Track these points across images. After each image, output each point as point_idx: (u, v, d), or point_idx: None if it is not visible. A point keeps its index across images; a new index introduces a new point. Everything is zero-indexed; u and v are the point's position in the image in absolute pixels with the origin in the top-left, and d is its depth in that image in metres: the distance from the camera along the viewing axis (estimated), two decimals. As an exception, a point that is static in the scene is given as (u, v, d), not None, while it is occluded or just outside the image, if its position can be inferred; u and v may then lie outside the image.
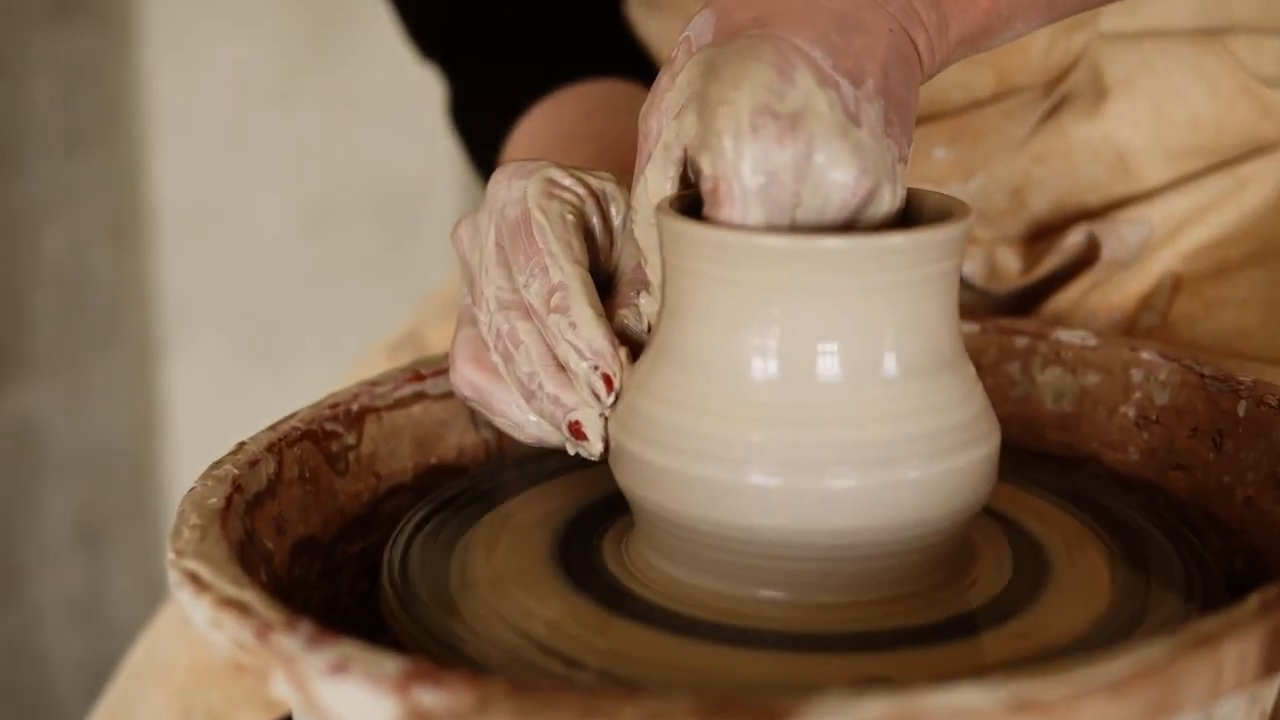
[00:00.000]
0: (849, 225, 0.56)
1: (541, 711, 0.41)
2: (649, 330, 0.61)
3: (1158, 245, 0.81)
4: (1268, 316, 0.78)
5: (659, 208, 0.57)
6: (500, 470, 0.69)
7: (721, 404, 0.56)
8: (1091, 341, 0.73)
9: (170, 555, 0.51)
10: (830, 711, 0.42)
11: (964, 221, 0.57)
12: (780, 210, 0.54)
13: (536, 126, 0.85)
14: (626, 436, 0.58)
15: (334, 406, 0.65)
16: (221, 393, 1.85)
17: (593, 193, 0.63)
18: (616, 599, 0.58)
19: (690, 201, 0.58)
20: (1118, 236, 0.81)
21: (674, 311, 0.57)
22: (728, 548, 0.56)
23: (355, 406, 0.66)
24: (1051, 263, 0.82)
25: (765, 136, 0.53)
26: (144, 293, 1.83)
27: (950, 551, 0.58)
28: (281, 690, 0.44)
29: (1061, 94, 0.82)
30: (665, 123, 0.57)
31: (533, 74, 0.87)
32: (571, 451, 0.61)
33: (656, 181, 0.58)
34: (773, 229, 0.55)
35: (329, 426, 0.64)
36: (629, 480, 0.58)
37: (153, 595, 1.83)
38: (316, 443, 0.63)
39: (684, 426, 0.56)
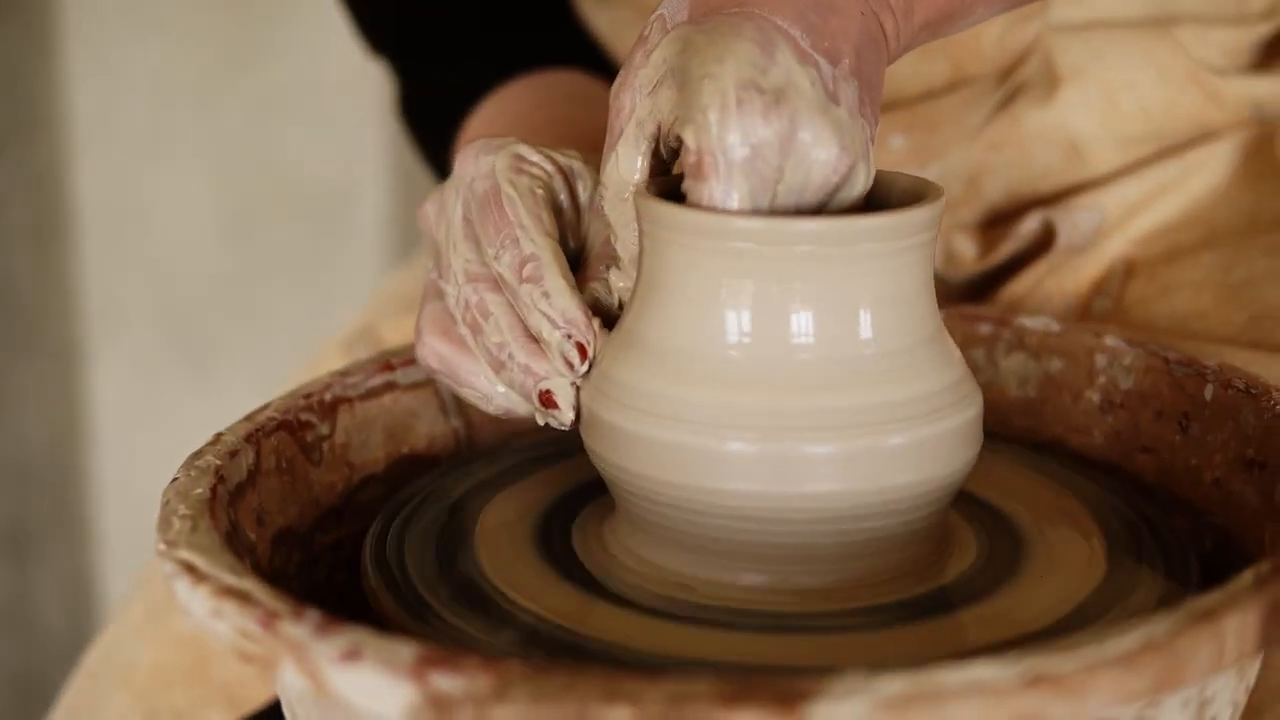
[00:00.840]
0: (823, 204, 0.56)
1: (562, 694, 0.41)
2: (619, 305, 0.61)
3: (1109, 231, 0.83)
4: (1221, 298, 0.80)
5: (638, 193, 0.57)
6: (474, 460, 0.68)
7: (699, 372, 0.55)
8: (1054, 328, 0.74)
9: (160, 546, 0.50)
10: (851, 690, 0.42)
11: (939, 201, 0.57)
12: (764, 185, 0.54)
13: (493, 115, 0.84)
14: (602, 405, 0.57)
15: (308, 396, 0.64)
16: (147, 397, 1.83)
17: (560, 169, 0.63)
18: (598, 585, 0.58)
19: (666, 185, 0.58)
20: (1072, 223, 0.82)
21: (651, 285, 0.57)
22: (707, 516, 0.56)
23: (328, 396, 0.65)
24: (1007, 249, 0.83)
25: (751, 111, 0.53)
26: (66, 296, 1.80)
27: (933, 524, 0.58)
28: (291, 679, 0.44)
29: (1015, 83, 0.83)
30: (639, 99, 0.57)
31: (487, 66, 0.87)
32: (541, 422, 0.61)
33: (628, 157, 0.58)
34: (755, 212, 0.55)
35: (303, 416, 0.63)
36: (606, 449, 0.58)
37: (80, 601, 1.81)
38: (292, 433, 0.62)
39: (662, 393, 0.56)
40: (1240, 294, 0.79)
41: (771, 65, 0.54)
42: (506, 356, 0.60)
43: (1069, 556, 0.61)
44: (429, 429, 0.70)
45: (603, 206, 0.59)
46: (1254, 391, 0.65)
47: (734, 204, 0.54)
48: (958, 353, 0.59)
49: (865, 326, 0.56)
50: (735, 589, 0.56)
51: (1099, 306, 0.82)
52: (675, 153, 0.58)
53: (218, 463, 0.56)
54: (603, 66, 0.90)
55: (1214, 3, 0.85)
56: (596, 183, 0.63)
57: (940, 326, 0.59)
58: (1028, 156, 0.83)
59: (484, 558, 0.59)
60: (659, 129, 0.57)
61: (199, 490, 0.54)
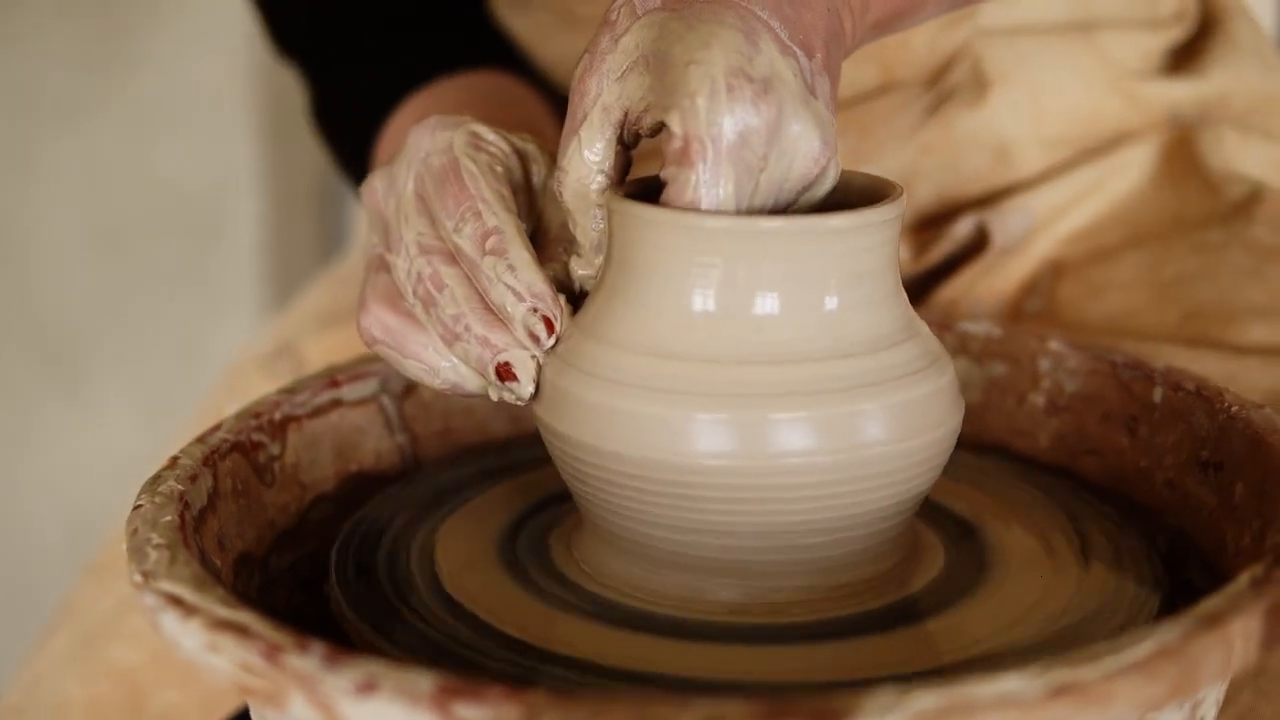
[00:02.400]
0: (799, 196, 0.56)
1: (594, 720, 0.39)
2: (579, 291, 0.60)
3: (1036, 232, 0.84)
4: (1153, 297, 0.81)
5: (609, 196, 0.57)
6: (425, 478, 0.67)
7: (668, 348, 0.54)
8: (996, 332, 0.74)
9: (136, 578, 0.48)
10: (886, 707, 0.41)
11: (903, 197, 0.57)
12: (748, 174, 0.53)
13: (416, 114, 0.82)
14: (568, 379, 0.56)
15: (258, 416, 0.62)
16: (18, 419, 1.77)
17: (516, 150, 0.62)
18: (565, 597, 0.57)
19: (633, 189, 0.57)
20: (1004, 225, 0.83)
21: (619, 273, 0.56)
22: (673, 505, 0.54)
23: (278, 415, 0.63)
24: (940, 251, 0.83)
25: (741, 98, 0.52)
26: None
27: (904, 519, 0.57)
28: (299, 713, 0.42)
29: (946, 87, 0.83)
30: (606, 84, 0.56)
31: (404, 69, 0.85)
32: (495, 397, 0.59)
33: (591, 142, 0.57)
34: (727, 213, 0.54)
35: (255, 437, 0.61)
36: (567, 425, 0.56)
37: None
38: (245, 454, 0.60)
39: (629, 365, 0.55)
40: (1171, 292, 0.80)
41: (757, 54, 0.53)
42: (462, 328, 0.58)
43: (1033, 562, 0.61)
44: (375, 445, 0.68)
45: (561, 192, 0.58)
46: (1205, 393, 0.65)
47: (718, 191, 0.53)
48: (925, 326, 0.59)
49: (832, 302, 0.55)
50: (703, 602, 0.56)
51: (1031, 307, 0.82)
52: (638, 140, 0.57)
53: (180, 488, 0.54)
54: (521, 69, 0.88)
55: (1129, 7, 0.87)
56: (550, 167, 0.62)
57: (906, 302, 0.58)
58: (957, 159, 0.83)
59: (451, 568, 0.58)
60: (626, 116, 0.56)
61: (168, 517, 0.51)
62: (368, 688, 0.41)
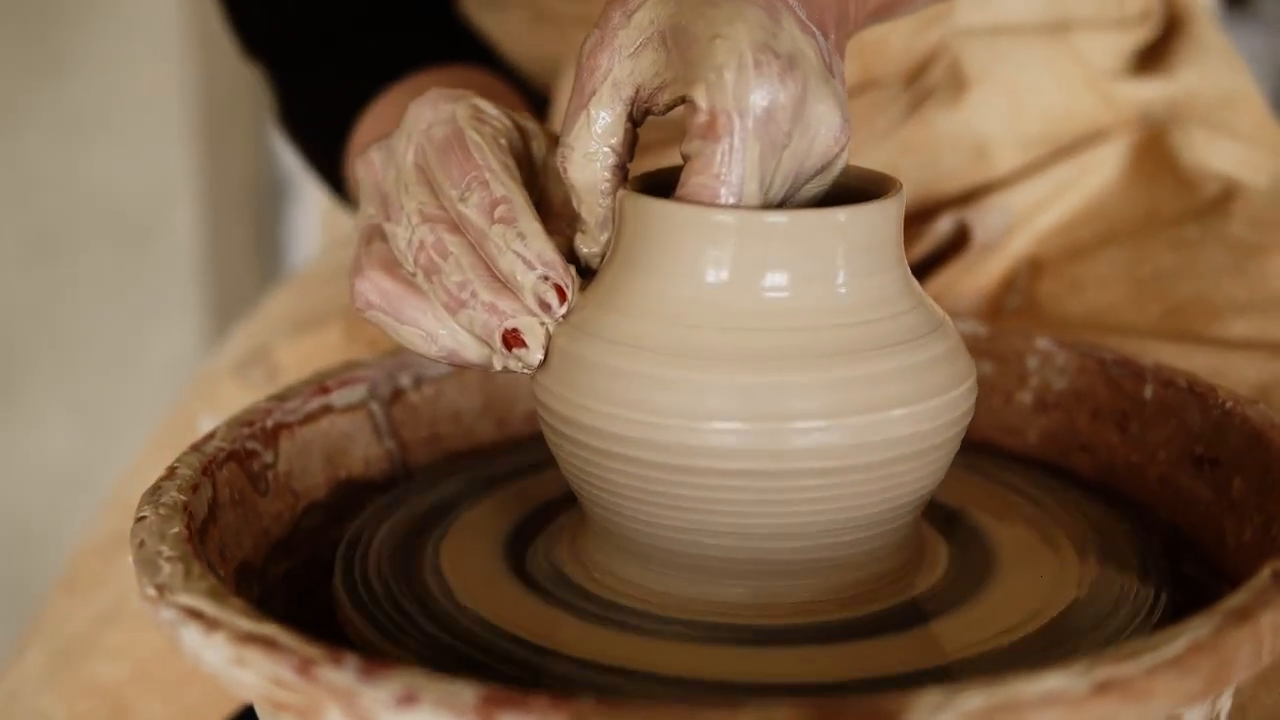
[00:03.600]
0: (816, 173, 0.56)
1: (644, 729, 0.39)
2: (583, 268, 0.59)
3: (1013, 229, 0.84)
4: (1133, 291, 0.81)
5: (625, 193, 0.56)
6: (418, 486, 0.66)
7: (682, 316, 0.54)
8: (982, 331, 0.74)
9: (150, 592, 0.46)
10: (935, 707, 0.40)
11: (903, 191, 0.58)
12: (773, 149, 0.53)
13: (395, 104, 0.81)
14: (581, 344, 0.55)
15: (250, 424, 0.61)
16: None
17: (517, 125, 0.61)
18: (570, 598, 0.56)
19: (638, 185, 0.57)
20: (983, 223, 0.83)
21: (631, 248, 0.56)
22: (682, 470, 0.53)
23: (270, 423, 0.62)
24: (920, 250, 0.84)
25: (768, 73, 0.52)
26: None
27: (922, 492, 0.57)
28: (337, 727, 0.40)
29: (924, 87, 0.83)
30: (618, 60, 0.55)
31: (377, 66, 0.84)
32: (498, 365, 0.58)
33: (600, 118, 0.56)
34: (736, 207, 0.54)
35: (249, 445, 0.60)
36: (578, 391, 0.55)
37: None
38: (240, 463, 0.59)
39: (645, 332, 0.54)
40: (1151, 288, 0.81)
41: (780, 31, 0.53)
42: (468, 295, 0.57)
43: (1035, 558, 0.61)
44: (364, 451, 0.67)
45: (566, 168, 0.57)
46: (1197, 390, 0.65)
47: (743, 166, 0.53)
48: (928, 296, 0.59)
49: (841, 278, 0.55)
50: (709, 603, 0.55)
51: (1011, 304, 0.83)
52: (646, 117, 0.57)
53: (183, 498, 0.52)
54: (492, 68, 0.87)
55: (1100, 7, 0.87)
56: (549, 146, 0.62)
57: (909, 273, 0.58)
58: (936, 158, 0.83)
59: (455, 571, 0.58)
60: (637, 92, 0.55)
61: (175, 529, 0.50)
62: (409, 700, 0.40)
